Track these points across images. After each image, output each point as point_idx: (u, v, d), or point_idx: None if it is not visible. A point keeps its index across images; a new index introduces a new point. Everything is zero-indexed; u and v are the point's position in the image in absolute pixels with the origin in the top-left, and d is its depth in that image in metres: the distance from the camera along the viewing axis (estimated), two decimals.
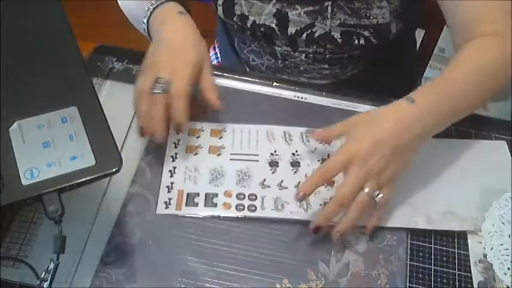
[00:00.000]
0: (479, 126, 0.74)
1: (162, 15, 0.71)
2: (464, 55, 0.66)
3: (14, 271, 0.58)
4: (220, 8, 0.81)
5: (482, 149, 0.71)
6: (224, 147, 0.69)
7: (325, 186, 0.65)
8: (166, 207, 0.64)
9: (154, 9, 0.71)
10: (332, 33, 0.78)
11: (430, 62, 1.13)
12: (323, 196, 0.64)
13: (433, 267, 0.61)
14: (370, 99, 0.75)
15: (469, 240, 0.63)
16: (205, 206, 0.64)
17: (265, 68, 0.90)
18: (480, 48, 0.66)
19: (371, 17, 0.76)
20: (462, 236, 0.64)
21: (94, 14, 1.77)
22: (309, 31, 0.79)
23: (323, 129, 0.64)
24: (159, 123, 0.63)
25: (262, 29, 0.81)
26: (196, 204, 0.64)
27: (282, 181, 0.66)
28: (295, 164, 0.68)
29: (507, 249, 0.61)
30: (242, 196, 0.64)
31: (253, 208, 0.63)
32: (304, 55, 0.84)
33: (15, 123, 0.51)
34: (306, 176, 0.67)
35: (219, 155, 0.69)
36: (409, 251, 0.62)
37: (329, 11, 0.76)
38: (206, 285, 0.58)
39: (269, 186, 0.66)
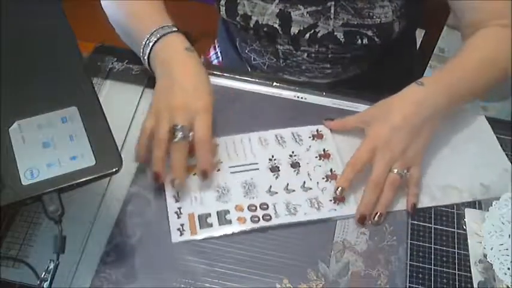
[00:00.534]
0: None
1: (168, 50, 0.69)
2: (473, 41, 0.71)
3: (14, 271, 0.58)
4: (222, 8, 0.81)
5: (465, 125, 0.74)
6: (221, 162, 0.68)
7: (330, 181, 0.67)
8: (181, 234, 0.61)
9: (155, 42, 0.69)
10: (335, 33, 0.78)
11: (430, 62, 1.13)
12: (330, 192, 0.65)
13: (433, 267, 0.61)
14: (370, 99, 0.75)
15: (469, 240, 0.63)
16: (219, 224, 0.62)
17: (267, 67, 0.90)
18: (489, 36, 0.71)
19: (374, 17, 0.76)
20: (462, 236, 0.64)
21: (94, 14, 1.77)
22: (312, 31, 0.79)
23: (338, 119, 0.71)
24: (181, 170, 0.63)
25: (265, 29, 0.81)
26: (211, 225, 0.62)
27: (287, 184, 0.66)
28: (295, 165, 0.68)
29: (507, 249, 0.61)
30: (254, 207, 0.64)
31: (268, 217, 0.63)
32: (306, 54, 0.84)
33: (15, 123, 0.51)
34: (308, 174, 0.67)
35: (218, 170, 0.67)
36: (409, 251, 0.62)
37: (332, 11, 0.77)
38: (206, 285, 0.58)
39: (277, 192, 0.65)
